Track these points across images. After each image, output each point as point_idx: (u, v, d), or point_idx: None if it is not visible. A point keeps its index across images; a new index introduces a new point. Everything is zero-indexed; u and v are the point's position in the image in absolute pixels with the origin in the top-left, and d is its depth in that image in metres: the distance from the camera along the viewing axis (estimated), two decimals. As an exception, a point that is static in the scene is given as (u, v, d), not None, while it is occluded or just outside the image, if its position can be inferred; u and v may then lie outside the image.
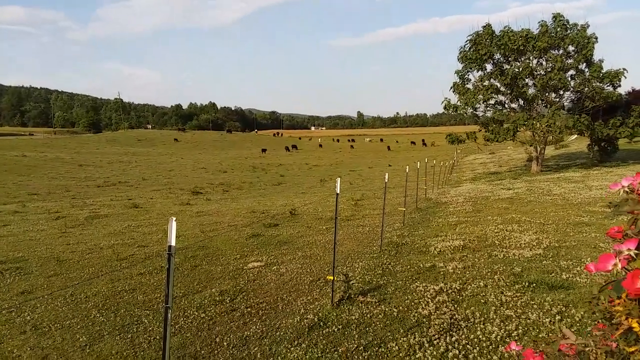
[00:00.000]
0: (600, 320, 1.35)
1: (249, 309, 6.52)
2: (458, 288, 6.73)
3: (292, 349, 5.16)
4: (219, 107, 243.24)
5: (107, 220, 16.00)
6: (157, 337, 5.64)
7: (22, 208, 19.71)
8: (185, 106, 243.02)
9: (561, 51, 28.23)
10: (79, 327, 6.12)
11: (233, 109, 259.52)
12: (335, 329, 5.58)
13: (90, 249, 10.94)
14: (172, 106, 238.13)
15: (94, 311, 6.66)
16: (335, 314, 6.06)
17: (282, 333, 5.60)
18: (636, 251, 1.25)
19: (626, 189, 1.35)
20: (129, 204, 20.81)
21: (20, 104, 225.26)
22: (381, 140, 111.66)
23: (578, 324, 5.16)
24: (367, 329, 5.54)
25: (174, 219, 3.60)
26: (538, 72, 28.41)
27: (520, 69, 28.16)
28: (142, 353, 5.30)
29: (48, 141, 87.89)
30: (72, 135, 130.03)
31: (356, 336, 5.35)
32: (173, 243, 3.61)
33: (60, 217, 16.65)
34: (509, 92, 29.73)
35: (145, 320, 6.24)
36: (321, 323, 5.78)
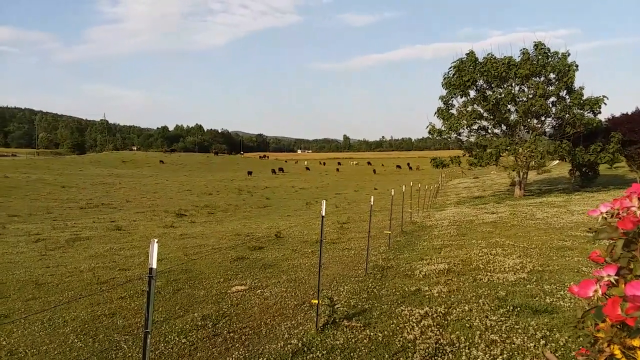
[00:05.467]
0: (583, 345, 1.35)
1: (231, 334, 6.41)
2: (443, 312, 6.70)
3: (275, 375, 5.07)
4: (205, 130, 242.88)
5: (89, 242, 15.73)
6: (137, 363, 5.50)
7: (1, 230, 19.30)
8: (171, 128, 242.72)
9: (542, 78, 28.85)
10: (56, 352, 5.95)
11: (220, 131, 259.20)
12: (320, 355, 5.49)
13: (70, 272, 10.72)
14: (158, 128, 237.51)
15: (72, 336, 6.49)
16: (319, 338, 5.97)
17: (265, 359, 5.50)
18: (616, 277, 1.25)
19: (604, 215, 1.36)
20: (111, 226, 20.51)
21: (3, 125, 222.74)
22: (368, 163, 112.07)
23: (562, 349, 5.15)
24: (352, 354, 5.46)
25: (156, 240, 3.55)
26: (520, 99, 28.94)
27: (503, 95, 28.66)
28: (120, 380, 5.16)
29: (31, 162, 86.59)
30: (56, 156, 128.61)
31: (340, 362, 5.27)
32: (154, 265, 3.55)
33: (41, 239, 16.33)
34: (491, 117, 30.22)
35: (125, 346, 6.09)
36: (305, 348, 5.70)
